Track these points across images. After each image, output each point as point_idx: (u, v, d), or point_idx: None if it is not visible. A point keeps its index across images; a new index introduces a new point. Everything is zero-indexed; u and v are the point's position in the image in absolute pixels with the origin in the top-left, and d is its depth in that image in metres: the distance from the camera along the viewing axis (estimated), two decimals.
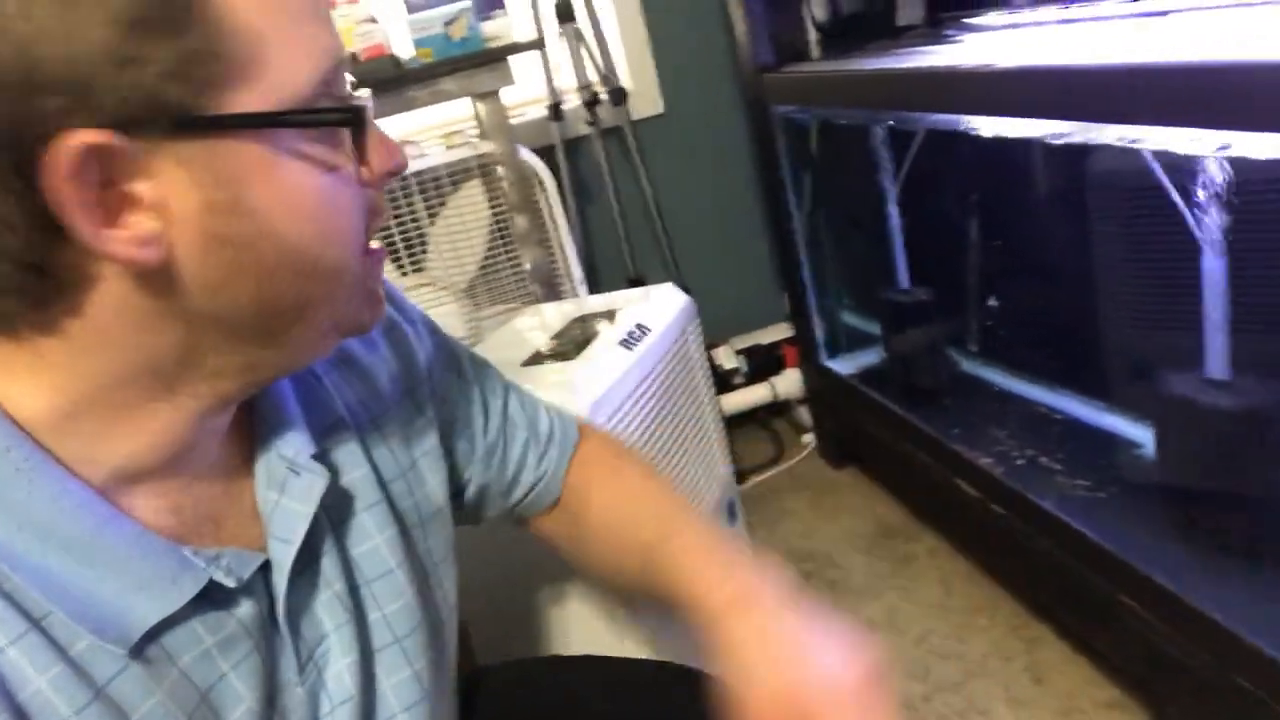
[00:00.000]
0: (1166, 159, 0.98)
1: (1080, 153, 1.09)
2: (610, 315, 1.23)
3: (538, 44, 1.59)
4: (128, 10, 0.36)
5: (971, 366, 1.67)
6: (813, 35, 1.73)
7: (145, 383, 0.44)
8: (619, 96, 1.83)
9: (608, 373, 1.06)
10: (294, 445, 0.53)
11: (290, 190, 0.43)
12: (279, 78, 0.41)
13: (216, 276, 0.42)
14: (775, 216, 1.85)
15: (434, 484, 0.64)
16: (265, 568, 0.50)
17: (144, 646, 0.44)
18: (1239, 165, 0.92)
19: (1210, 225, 0.98)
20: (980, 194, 1.52)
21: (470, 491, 0.73)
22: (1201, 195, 0.97)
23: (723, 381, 2.10)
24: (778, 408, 2.18)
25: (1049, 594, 1.38)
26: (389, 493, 0.59)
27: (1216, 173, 0.94)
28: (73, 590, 0.42)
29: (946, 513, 1.63)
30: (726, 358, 2.13)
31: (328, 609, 0.53)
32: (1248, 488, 1.08)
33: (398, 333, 0.66)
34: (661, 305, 1.25)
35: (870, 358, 1.86)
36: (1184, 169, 0.97)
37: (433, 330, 0.71)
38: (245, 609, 0.48)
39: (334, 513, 0.55)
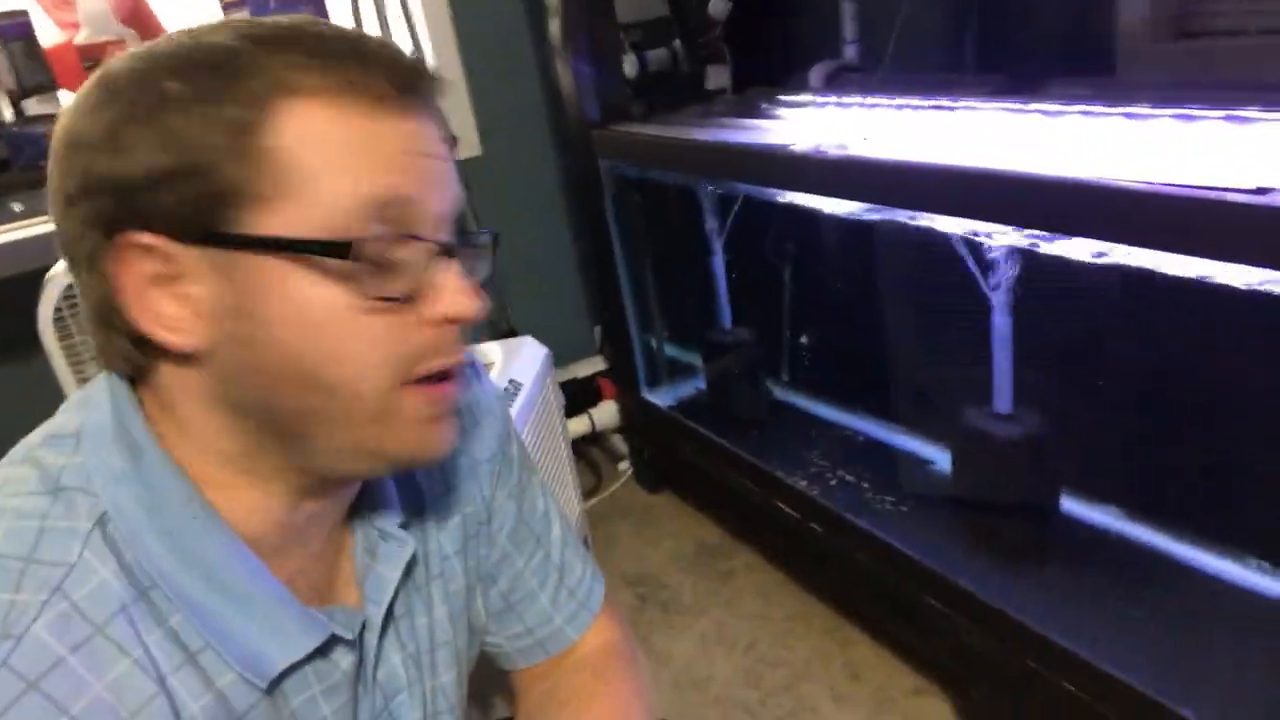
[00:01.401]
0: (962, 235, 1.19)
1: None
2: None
3: None
4: (177, 141, 0.45)
5: (787, 397, 1.86)
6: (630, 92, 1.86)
7: (232, 467, 0.50)
8: (449, 144, 1.87)
9: None
10: (385, 515, 0.59)
11: (300, 307, 0.46)
12: (310, 208, 0.46)
13: (236, 370, 0.48)
14: (599, 260, 1.96)
15: (476, 568, 0.69)
16: (365, 625, 0.57)
17: (272, 686, 0.51)
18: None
19: (998, 288, 1.19)
20: (796, 246, 1.71)
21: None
22: (991, 265, 1.18)
23: None
24: (592, 437, 2.29)
25: (859, 599, 1.57)
26: (449, 567, 0.65)
27: (1003, 250, 1.15)
28: (225, 629, 0.49)
29: (762, 529, 1.80)
30: None
31: (404, 667, 0.60)
32: (1029, 500, 1.31)
33: (471, 414, 0.68)
34: (526, 359, 1.32)
35: (687, 390, 2.01)
36: (978, 243, 1.18)
37: (502, 425, 0.71)
38: (347, 661, 0.55)
39: (411, 580, 0.61)
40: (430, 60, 1.94)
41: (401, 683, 0.60)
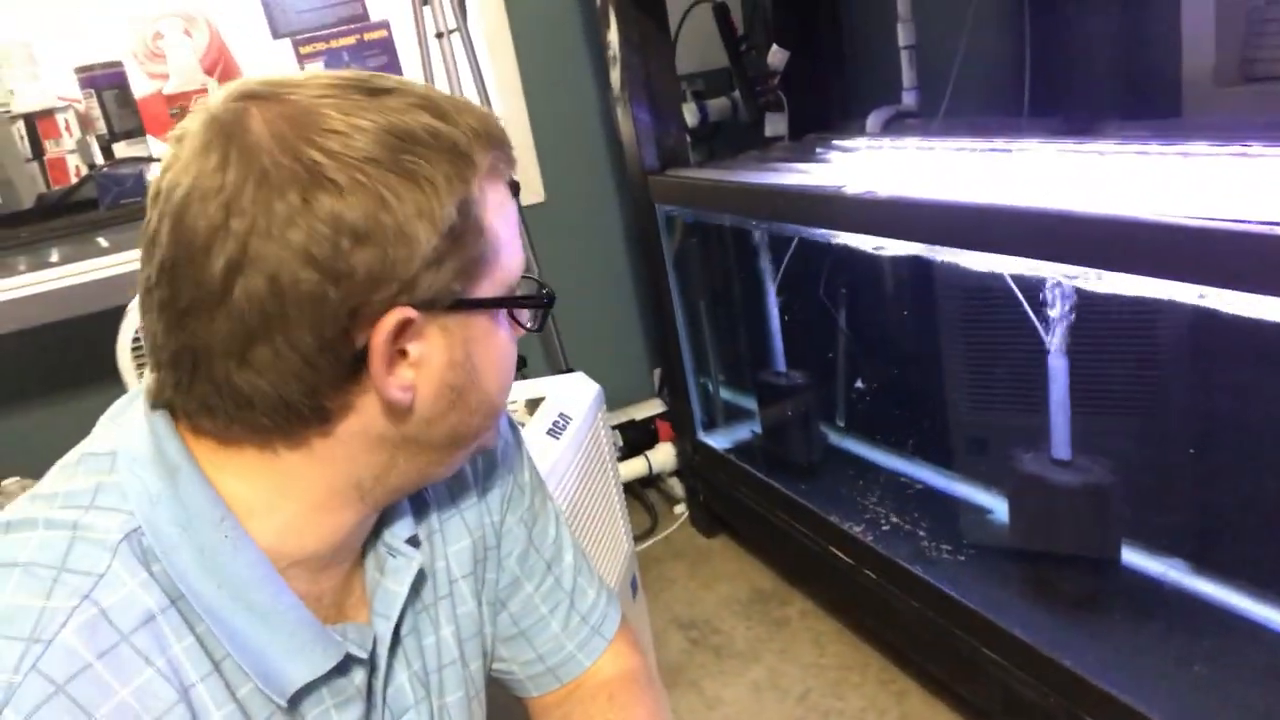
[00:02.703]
0: (1018, 277, 1.17)
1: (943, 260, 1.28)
2: (533, 404, 1.30)
3: None
4: (448, 226, 0.49)
5: (841, 442, 1.85)
6: (688, 140, 1.89)
7: (347, 492, 0.54)
8: (512, 189, 1.92)
9: (541, 464, 1.13)
10: (394, 531, 0.61)
11: (497, 351, 0.56)
12: (505, 271, 0.54)
13: (436, 413, 0.54)
14: (657, 304, 1.98)
15: (485, 592, 0.70)
16: (375, 640, 0.58)
17: (289, 701, 0.53)
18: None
19: (1055, 331, 1.17)
20: (850, 288, 1.71)
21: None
22: (1047, 307, 1.16)
23: None
24: (648, 479, 2.29)
25: (914, 649, 1.53)
26: (457, 590, 0.66)
27: (1060, 291, 1.14)
28: (249, 644, 0.51)
29: (817, 576, 1.78)
30: None
31: (411, 685, 0.61)
32: (1087, 550, 1.27)
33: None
34: (577, 393, 1.34)
35: (743, 433, 2.00)
36: (1033, 283, 1.16)
37: (514, 451, 0.74)
38: (358, 676, 0.57)
39: (419, 598, 0.63)
40: (498, 109, 2.01)
41: (409, 701, 0.61)
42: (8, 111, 1.41)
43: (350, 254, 0.47)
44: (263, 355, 0.48)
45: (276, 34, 1.63)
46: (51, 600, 0.46)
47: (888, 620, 1.54)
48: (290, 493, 0.52)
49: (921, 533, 1.53)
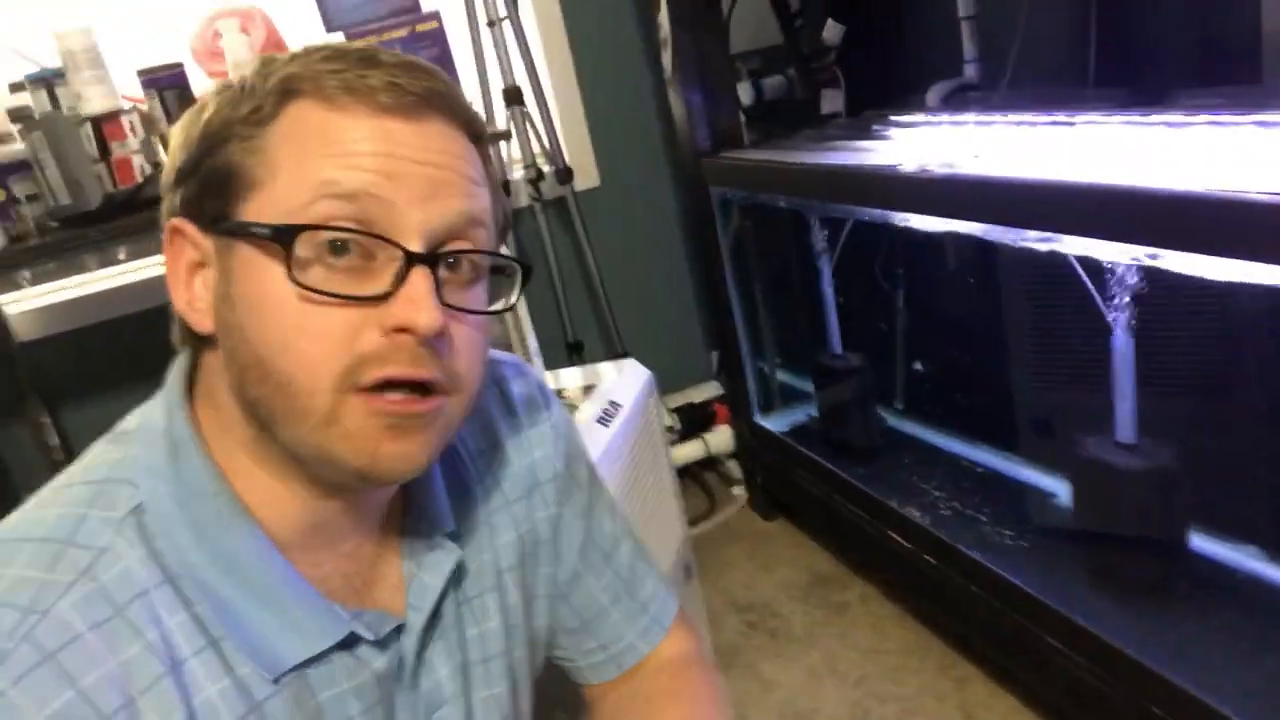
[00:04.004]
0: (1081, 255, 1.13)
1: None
2: (586, 391, 1.31)
3: (503, 135, 1.67)
4: (201, 135, 0.50)
5: (900, 425, 1.82)
6: (743, 119, 1.87)
7: (249, 455, 0.53)
8: (565, 175, 1.93)
9: (592, 452, 1.13)
10: (433, 523, 0.61)
11: (259, 293, 0.48)
12: (276, 198, 0.48)
13: (228, 356, 0.51)
14: (712, 286, 1.97)
15: (535, 584, 0.70)
16: (402, 630, 0.58)
17: (292, 677, 0.52)
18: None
19: (1119, 311, 1.13)
20: (908, 269, 1.67)
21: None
22: (1112, 287, 1.12)
23: None
24: (707, 462, 2.28)
25: (976, 635, 1.51)
26: (503, 581, 0.66)
27: (1126, 271, 1.09)
28: (243, 621, 0.51)
29: (877, 561, 1.76)
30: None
31: (450, 677, 0.61)
32: (1153, 536, 1.23)
33: (539, 431, 0.70)
34: (627, 380, 1.34)
35: (800, 416, 1.99)
36: (1097, 260, 1.12)
37: (568, 445, 0.72)
38: (380, 663, 0.56)
39: (461, 591, 0.63)
40: (551, 96, 2.01)
41: (446, 694, 0.60)
42: (76, 114, 1.46)
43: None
44: None
45: (330, 27, 1.66)
46: (54, 573, 0.47)
47: (948, 606, 1.52)
48: (232, 448, 0.53)
49: (982, 517, 1.50)
